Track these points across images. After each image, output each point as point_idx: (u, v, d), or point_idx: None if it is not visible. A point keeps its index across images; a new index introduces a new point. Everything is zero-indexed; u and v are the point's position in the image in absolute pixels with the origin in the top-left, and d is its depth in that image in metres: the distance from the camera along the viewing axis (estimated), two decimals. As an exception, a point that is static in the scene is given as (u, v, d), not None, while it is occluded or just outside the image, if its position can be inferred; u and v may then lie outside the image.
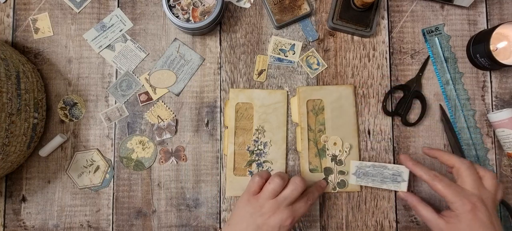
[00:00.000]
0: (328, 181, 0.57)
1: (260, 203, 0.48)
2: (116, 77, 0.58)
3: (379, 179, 0.54)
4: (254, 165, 0.57)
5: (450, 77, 0.59)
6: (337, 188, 0.57)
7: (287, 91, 0.59)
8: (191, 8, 0.55)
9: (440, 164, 0.57)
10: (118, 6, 0.59)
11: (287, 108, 0.58)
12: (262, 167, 0.57)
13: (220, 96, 0.59)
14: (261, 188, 0.50)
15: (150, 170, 0.58)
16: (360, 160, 0.58)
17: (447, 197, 0.46)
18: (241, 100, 0.58)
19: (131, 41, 0.59)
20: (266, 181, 0.50)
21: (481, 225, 0.44)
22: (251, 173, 0.57)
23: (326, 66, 0.59)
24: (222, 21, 0.60)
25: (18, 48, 0.58)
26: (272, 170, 0.57)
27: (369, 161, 0.58)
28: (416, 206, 0.50)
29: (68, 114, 0.58)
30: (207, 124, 0.58)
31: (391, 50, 0.60)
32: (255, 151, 0.57)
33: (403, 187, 0.53)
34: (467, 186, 0.46)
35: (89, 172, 0.57)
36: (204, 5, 0.56)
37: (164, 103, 0.58)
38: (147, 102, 0.58)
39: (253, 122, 0.58)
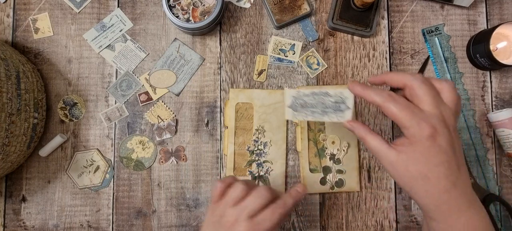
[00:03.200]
0: (327, 180, 0.57)
1: (221, 211, 0.43)
2: (116, 77, 0.58)
3: (319, 109, 0.44)
4: (254, 165, 0.57)
5: (450, 77, 0.59)
6: (335, 187, 0.57)
7: (287, 91, 0.59)
8: (191, 8, 0.55)
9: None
10: (118, 6, 0.59)
11: (287, 108, 0.58)
12: (262, 167, 0.57)
13: (220, 96, 0.59)
14: (223, 195, 0.45)
15: (150, 170, 0.58)
16: (359, 158, 0.58)
17: (402, 121, 0.37)
18: (241, 100, 0.58)
19: (131, 41, 0.59)
20: (229, 187, 0.45)
21: (439, 151, 0.36)
22: (251, 173, 0.57)
23: (326, 66, 0.59)
24: (222, 21, 0.60)
25: (18, 48, 0.58)
26: (272, 170, 0.57)
27: (369, 159, 0.58)
28: (365, 136, 0.40)
29: (68, 114, 0.58)
30: (207, 124, 0.58)
31: (391, 50, 0.60)
32: (255, 151, 0.57)
33: (347, 115, 0.42)
34: (425, 106, 0.37)
35: (89, 172, 0.57)
36: (204, 5, 0.56)
37: (164, 103, 0.58)
38: (147, 102, 0.58)
39: (253, 122, 0.58)
